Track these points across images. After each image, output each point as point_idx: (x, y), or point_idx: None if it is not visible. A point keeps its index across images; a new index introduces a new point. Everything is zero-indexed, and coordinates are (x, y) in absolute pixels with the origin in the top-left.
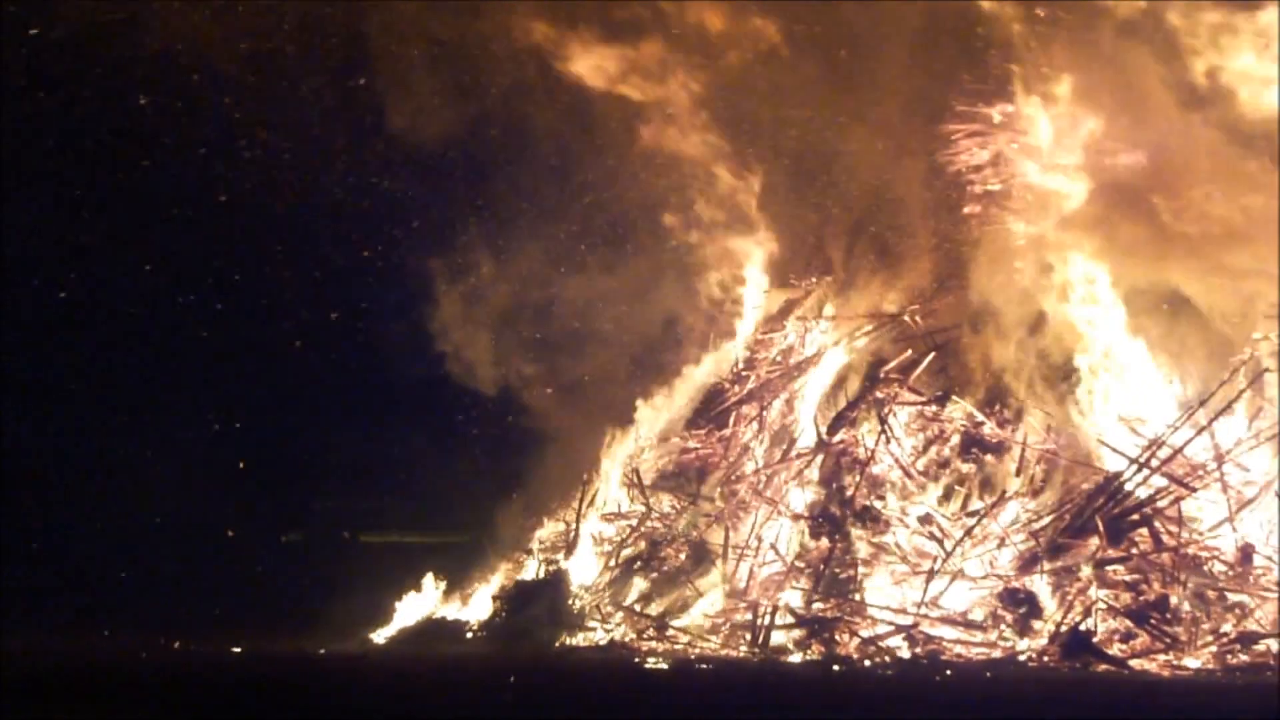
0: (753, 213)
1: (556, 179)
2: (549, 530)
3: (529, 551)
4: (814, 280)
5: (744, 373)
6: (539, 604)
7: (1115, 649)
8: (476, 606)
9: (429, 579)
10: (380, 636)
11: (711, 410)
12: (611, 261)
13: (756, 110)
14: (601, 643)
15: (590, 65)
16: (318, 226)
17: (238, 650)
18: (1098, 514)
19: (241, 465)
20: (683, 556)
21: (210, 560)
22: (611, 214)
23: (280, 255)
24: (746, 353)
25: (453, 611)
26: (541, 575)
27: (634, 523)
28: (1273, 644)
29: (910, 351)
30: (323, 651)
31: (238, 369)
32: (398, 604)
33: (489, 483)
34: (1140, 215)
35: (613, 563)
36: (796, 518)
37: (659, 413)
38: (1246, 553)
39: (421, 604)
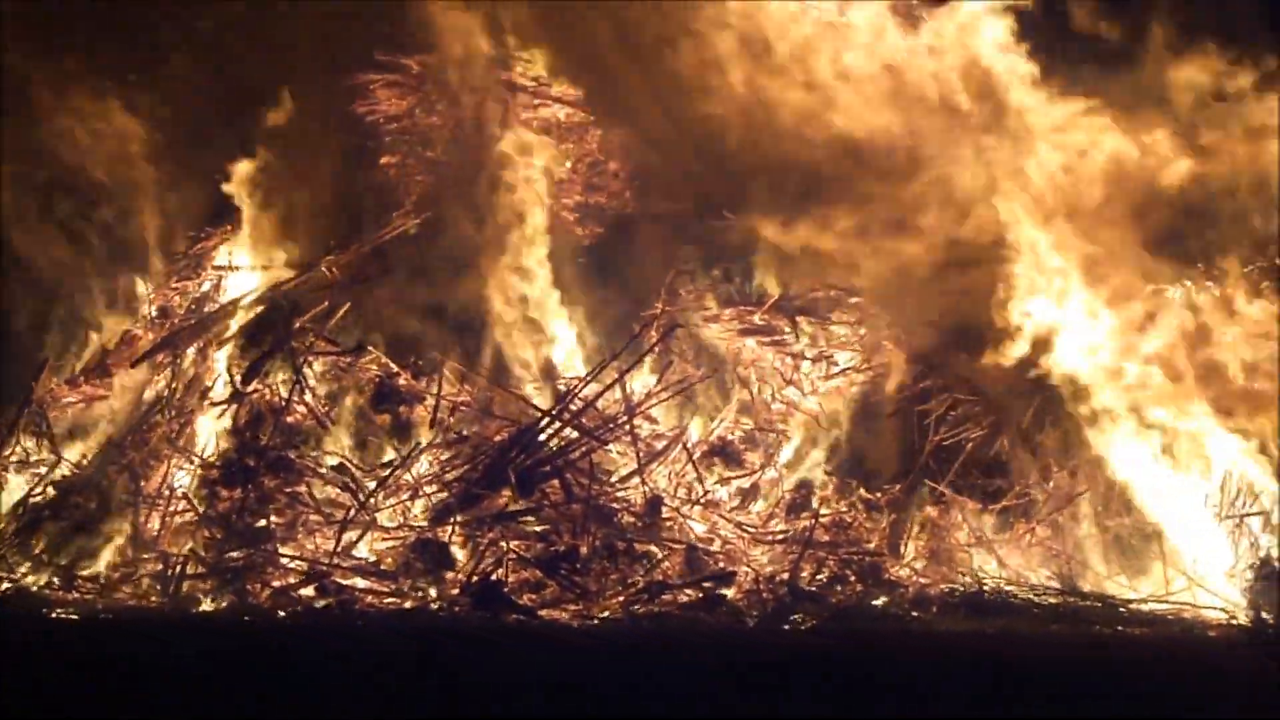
0: (162, 160)
1: None
2: None
3: None
4: (229, 228)
5: (157, 320)
6: None
7: (525, 599)
8: None
9: None
10: None
11: (124, 358)
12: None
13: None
14: (7, 592)
15: None
16: None
17: None
18: (510, 465)
19: None
20: (92, 506)
21: None
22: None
23: None
24: (160, 300)
25: None
26: None
27: (42, 471)
28: (680, 595)
29: (326, 302)
30: None
31: None
32: None
33: None
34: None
35: (20, 511)
36: (209, 467)
37: (69, 360)
38: (655, 505)
39: None
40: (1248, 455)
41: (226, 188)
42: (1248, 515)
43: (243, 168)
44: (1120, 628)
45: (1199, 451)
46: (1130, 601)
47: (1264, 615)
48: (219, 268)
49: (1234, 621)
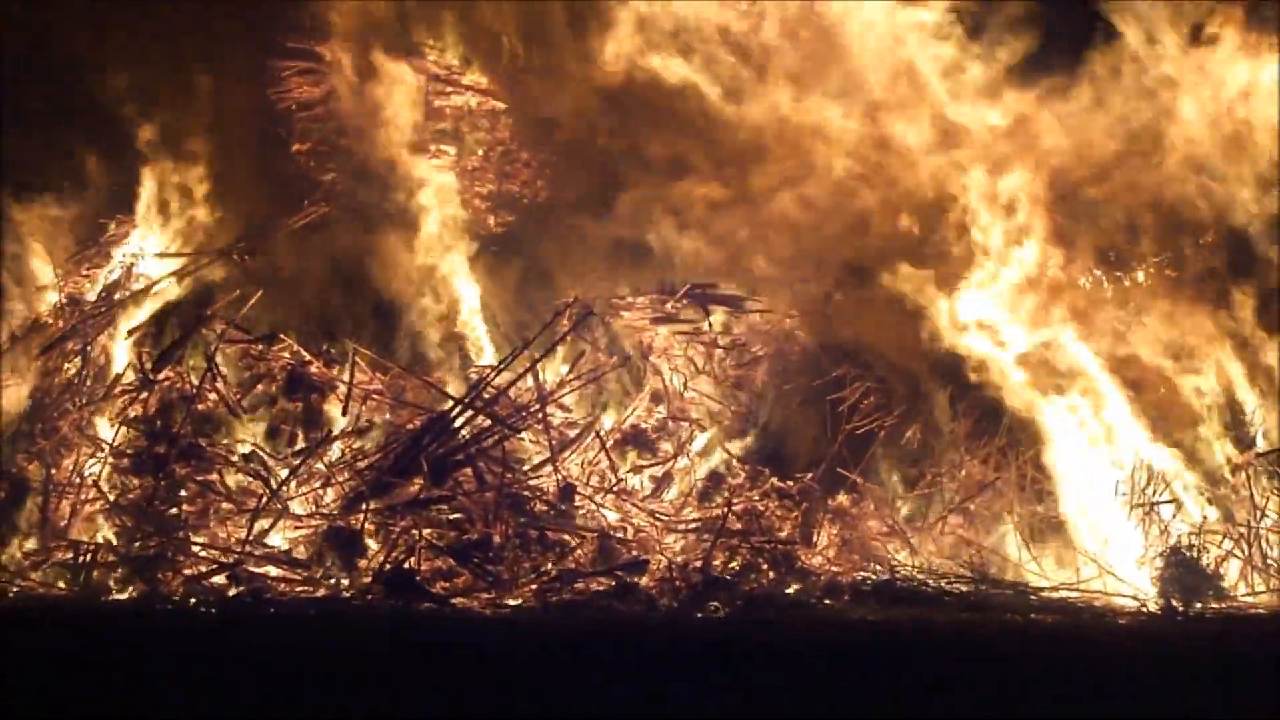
0: (71, 144)
1: None
2: None
3: None
4: (140, 215)
5: (67, 307)
6: None
7: (438, 587)
8: None
9: None
10: None
11: (33, 345)
12: None
13: None
14: None
15: None
16: None
17: None
18: (423, 453)
19: None
20: (2, 494)
21: None
22: None
23: None
24: (70, 287)
25: None
26: None
27: None
28: (593, 583)
29: (238, 290)
30: None
31: None
32: None
33: None
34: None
35: None
36: (120, 455)
37: None
38: (567, 493)
39: None
40: (1158, 444)
41: (138, 174)
42: (1158, 503)
43: (154, 155)
44: (1032, 615)
45: (1111, 440)
46: (1042, 589)
47: (1174, 602)
48: (129, 255)
49: (1144, 609)
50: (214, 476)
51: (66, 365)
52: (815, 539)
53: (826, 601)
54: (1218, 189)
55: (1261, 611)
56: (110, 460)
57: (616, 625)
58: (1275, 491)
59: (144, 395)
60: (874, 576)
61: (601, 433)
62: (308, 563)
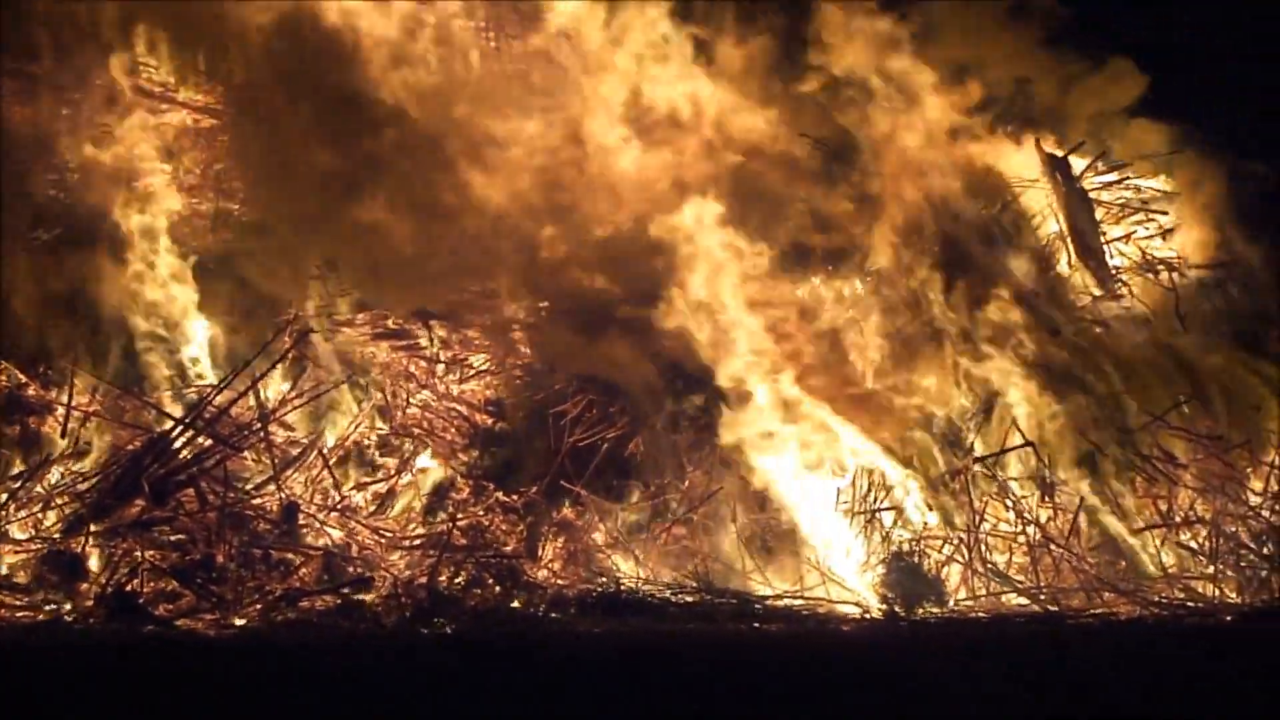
0: None
1: None
2: None
3: None
4: None
5: None
6: None
7: (162, 609)
8: None
9: None
10: None
11: None
12: None
13: None
14: None
15: None
16: None
17: None
18: (143, 474)
19: None
20: None
21: None
22: None
23: None
24: None
25: None
26: None
27: None
28: (318, 601)
29: None
30: None
31: None
32: None
33: None
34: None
35: None
36: None
37: None
38: (291, 511)
39: None
40: (879, 451)
41: None
42: (879, 510)
43: None
44: (756, 624)
45: (832, 448)
46: (766, 598)
47: (895, 608)
48: None
49: (867, 615)
50: None
51: None
52: (540, 552)
53: (552, 614)
54: (936, 198)
55: (981, 615)
56: None
57: (342, 643)
58: (993, 496)
59: None
60: (599, 588)
61: (324, 450)
62: (27, 587)
